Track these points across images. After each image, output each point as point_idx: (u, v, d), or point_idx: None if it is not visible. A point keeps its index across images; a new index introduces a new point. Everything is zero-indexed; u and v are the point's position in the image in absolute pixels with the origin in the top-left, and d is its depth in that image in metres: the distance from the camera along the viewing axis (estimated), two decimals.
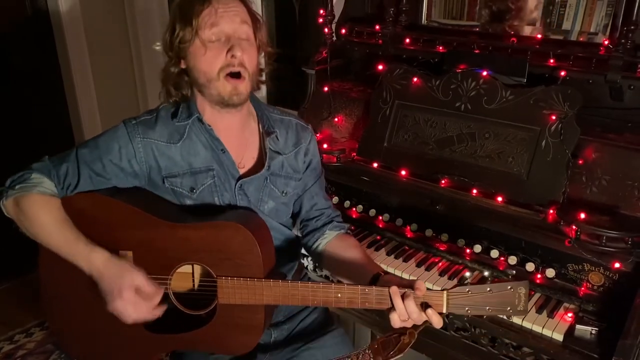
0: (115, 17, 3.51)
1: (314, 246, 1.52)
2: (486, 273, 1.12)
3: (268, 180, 1.43)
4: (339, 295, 1.21)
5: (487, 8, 1.99)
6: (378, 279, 1.27)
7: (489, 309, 1.14)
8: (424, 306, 1.16)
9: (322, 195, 1.56)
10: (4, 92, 3.20)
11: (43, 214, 1.29)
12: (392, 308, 1.16)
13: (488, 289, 1.13)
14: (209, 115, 1.37)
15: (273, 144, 1.44)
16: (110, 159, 1.33)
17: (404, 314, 1.15)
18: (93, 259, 1.27)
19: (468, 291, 1.14)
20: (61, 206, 1.31)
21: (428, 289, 1.16)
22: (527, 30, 1.91)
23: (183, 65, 1.33)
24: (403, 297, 1.15)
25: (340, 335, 1.51)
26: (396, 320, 1.17)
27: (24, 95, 3.29)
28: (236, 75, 1.28)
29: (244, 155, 1.42)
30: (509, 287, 1.13)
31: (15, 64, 3.23)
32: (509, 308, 1.14)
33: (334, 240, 1.50)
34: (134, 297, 1.24)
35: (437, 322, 1.16)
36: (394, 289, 1.16)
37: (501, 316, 1.45)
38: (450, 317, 1.54)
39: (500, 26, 1.97)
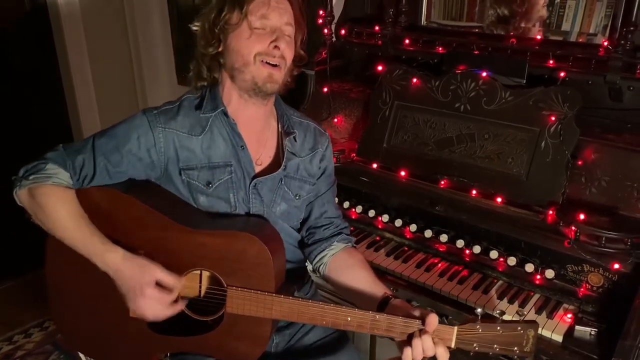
0: (114, 16, 3.51)
1: (319, 256, 1.48)
2: (497, 312, 1.16)
3: (282, 182, 1.41)
4: (349, 319, 1.20)
5: (487, 9, 1.99)
6: (387, 302, 1.26)
7: (496, 347, 1.15)
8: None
9: (332, 204, 1.54)
10: (3, 91, 3.19)
11: (59, 206, 1.26)
12: (407, 343, 1.16)
13: (498, 327, 1.14)
14: (234, 107, 1.35)
15: (290, 145, 1.43)
16: (129, 148, 1.30)
17: (420, 355, 1.14)
18: (108, 257, 1.25)
19: (478, 328, 1.14)
20: (76, 198, 1.29)
21: (439, 323, 1.15)
22: (526, 31, 1.91)
23: (220, 48, 1.32)
24: (420, 333, 1.14)
25: (342, 340, 1.50)
26: (409, 357, 1.16)
27: (23, 94, 3.29)
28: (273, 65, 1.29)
29: (262, 154, 1.41)
30: (519, 328, 1.14)
31: (14, 64, 3.23)
32: (515, 348, 1.14)
33: (340, 254, 1.47)
34: (157, 293, 1.23)
35: (444, 356, 1.16)
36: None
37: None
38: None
39: (500, 27, 1.97)
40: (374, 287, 1.35)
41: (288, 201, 1.44)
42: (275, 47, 1.27)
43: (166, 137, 1.32)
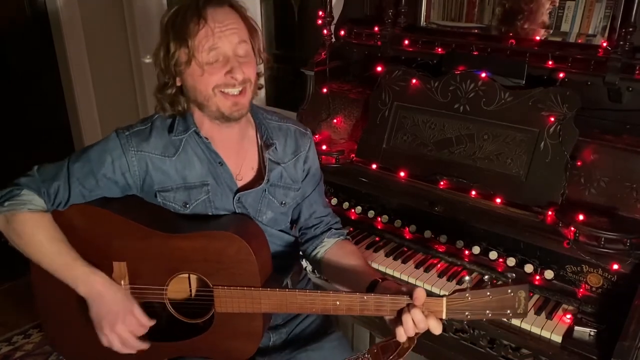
0: (113, 17, 3.51)
1: (313, 254, 1.51)
2: (486, 277, 1.13)
3: (267, 192, 1.41)
4: (337, 303, 1.20)
5: (487, 10, 1.99)
6: (376, 285, 1.26)
7: (488, 313, 1.14)
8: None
9: (321, 203, 1.54)
10: (3, 92, 3.20)
11: (37, 232, 1.25)
12: (398, 321, 1.16)
13: (488, 293, 1.13)
14: (207, 129, 1.34)
15: (272, 154, 1.41)
16: (104, 173, 1.29)
17: (411, 329, 1.14)
18: (94, 280, 1.26)
19: (467, 296, 1.14)
20: (54, 222, 1.28)
21: (427, 295, 1.15)
22: (525, 32, 1.91)
23: (179, 83, 1.29)
24: (409, 308, 1.14)
25: (339, 338, 1.51)
26: (402, 334, 1.16)
27: (23, 95, 3.29)
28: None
29: (242, 166, 1.40)
30: (509, 290, 1.12)
31: (13, 65, 3.23)
32: (508, 311, 1.13)
33: (332, 248, 1.49)
34: (136, 323, 1.26)
35: (438, 328, 1.15)
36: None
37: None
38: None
39: (500, 28, 1.97)
40: (365, 273, 1.36)
41: (274, 209, 1.43)
42: (232, 77, 1.23)
43: (139, 160, 1.31)
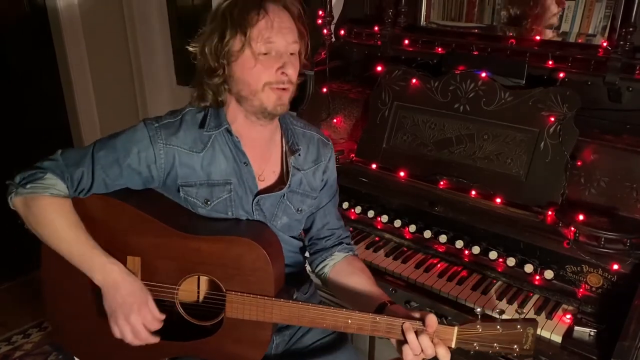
0: (113, 15, 3.51)
1: (320, 266, 1.49)
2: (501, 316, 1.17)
3: (285, 197, 1.40)
4: (349, 321, 1.20)
5: (486, 9, 1.99)
6: (384, 309, 1.26)
7: (496, 346, 1.15)
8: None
9: (334, 215, 1.53)
10: (2, 92, 3.19)
11: (57, 218, 1.24)
12: (404, 342, 1.16)
13: (498, 327, 1.14)
14: (239, 126, 1.32)
15: (295, 160, 1.40)
16: (129, 163, 1.27)
17: (418, 349, 1.14)
18: (111, 269, 1.25)
19: (478, 327, 1.15)
20: (73, 208, 1.27)
21: (439, 323, 1.15)
22: (525, 32, 1.91)
23: (225, 70, 1.26)
24: (417, 333, 1.14)
25: (341, 340, 1.50)
26: (409, 354, 1.16)
27: (22, 94, 3.29)
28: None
29: (265, 169, 1.39)
30: (519, 326, 1.14)
31: (13, 64, 3.23)
32: (515, 346, 1.15)
33: (341, 263, 1.47)
34: (150, 315, 1.25)
35: (445, 357, 1.15)
36: (407, 325, 1.15)
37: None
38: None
39: (500, 27, 1.97)
40: (373, 293, 1.35)
41: (290, 215, 1.43)
42: (283, 73, 1.23)
43: (167, 153, 1.29)
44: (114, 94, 3.64)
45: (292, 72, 1.25)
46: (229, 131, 1.32)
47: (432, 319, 1.15)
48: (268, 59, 1.23)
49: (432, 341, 1.14)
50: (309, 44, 1.33)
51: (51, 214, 1.24)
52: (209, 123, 1.32)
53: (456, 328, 1.16)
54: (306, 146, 1.44)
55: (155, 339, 1.27)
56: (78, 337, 1.43)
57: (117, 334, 1.27)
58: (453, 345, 1.16)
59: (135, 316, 1.24)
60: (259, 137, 1.35)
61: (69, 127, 3.59)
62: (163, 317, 1.28)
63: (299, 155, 1.41)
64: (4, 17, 3.14)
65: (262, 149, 1.38)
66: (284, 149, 1.41)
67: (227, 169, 1.33)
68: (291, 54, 1.26)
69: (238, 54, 1.22)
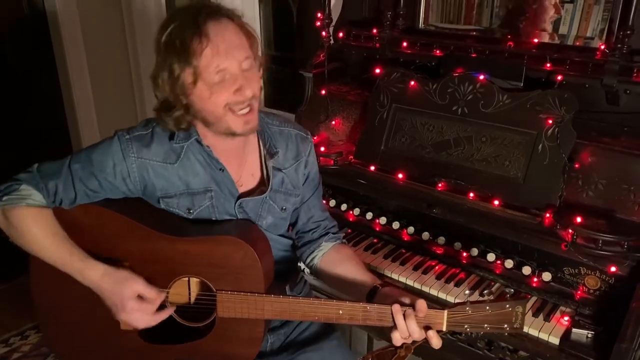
0: (112, 16, 3.51)
1: (310, 258, 1.52)
2: (485, 292, 1.18)
3: (267, 198, 1.40)
4: (340, 312, 1.21)
5: (485, 12, 2.00)
6: (376, 292, 1.26)
7: (487, 327, 1.17)
8: (425, 327, 1.18)
9: (319, 207, 1.54)
10: (1, 92, 3.19)
11: (34, 227, 1.25)
12: (394, 326, 1.17)
13: (487, 308, 1.16)
14: (210, 139, 1.32)
15: (274, 161, 1.40)
16: (105, 176, 1.28)
17: (406, 332, 1.16)
18: (88, 274, 1.25)
19: (468, 310, 1.16)
20: (53, 217, 1.28)
21: (429, 307, 1.17)
22: (524, 35, 1.91)
23: (184, 102, 1.24)
24: (405, 315, 1.16)
25: (337, 340, 1.51)
26: (398, 338, 1.18)
27: (21, 94, 3.29)
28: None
29: (242, 174, 1.39)
30: (507, 306, 1.15)
31: (12, 65, 3.23)
32: (505, 325, 1.17)
33: (329, 252, 1.49)
34: (138, 305, 1.24)
35: (437, 344, 1.17)
36: (396, 308, 1.16)
37: None
38: None
39: (498, 30, 1.98)
40: (363, 278, 1.36)
41: (274, 214, 1.43)
42: (241, 94, 1.20)
43: (139, 167, 1.29)
44: (113, 95, 3.64)
45: (251, 90, 1.22)
46: (198, 142, 1.31)
47: (422, 303, 1.16)
48: (223, 84, 1.20)
49: (422, 327, 1.16)
50: (260, 43, 1.30)
51: (29, 223, 1.25)
52: (177, 135, 1.31)
53: (446, 311, 1.17)
54: (285, 144, 1.43)
55: (164, 314, 1.28)
56: (72, 348, 1.43)
57: (123, 327, 1.29)
58: (444, 329, 1.18)
59: (125, 314, 1.25)
60: (231, 146, 1.34)
61: (68, 128, 3.59)
62: (159, 296, 1.26)
63: (278, 156, 1.41)
64: (4, 19, 3.14)
65: (237, 154, 1.37)
66: (262, 152, 1.41)
67: (205, 177, 1.33)
68: (247, 70, 1.22)
69: (192, 87, 1.19)
